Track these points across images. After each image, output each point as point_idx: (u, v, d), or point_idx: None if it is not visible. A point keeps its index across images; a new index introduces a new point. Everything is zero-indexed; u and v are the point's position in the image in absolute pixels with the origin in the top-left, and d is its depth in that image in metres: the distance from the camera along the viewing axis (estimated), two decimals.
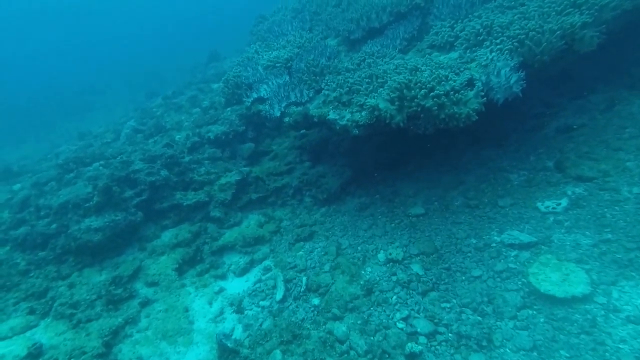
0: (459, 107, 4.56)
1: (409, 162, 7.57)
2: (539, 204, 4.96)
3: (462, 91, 4.53)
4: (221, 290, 5.81)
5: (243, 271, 6.15)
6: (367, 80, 5.60)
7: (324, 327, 4.44)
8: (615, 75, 6.76)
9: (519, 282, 4.18)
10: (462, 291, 4.43)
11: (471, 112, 4.49)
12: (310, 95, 6.09)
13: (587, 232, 4.40)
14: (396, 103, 4.95)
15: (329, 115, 5.82)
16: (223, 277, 6.13)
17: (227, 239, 6.66)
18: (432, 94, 4.61)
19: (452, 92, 4.55)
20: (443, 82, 4.65)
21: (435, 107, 4.60)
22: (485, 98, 4.42)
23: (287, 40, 7.00)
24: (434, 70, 4.80)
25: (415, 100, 4.74)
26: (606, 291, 3.70)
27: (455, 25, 5.48)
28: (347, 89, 5.72)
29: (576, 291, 3.62)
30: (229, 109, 8.64)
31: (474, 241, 5.07)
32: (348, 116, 5.66)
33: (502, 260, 4.55)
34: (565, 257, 4.08)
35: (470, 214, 5.60)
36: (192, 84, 14.82)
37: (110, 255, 5.75)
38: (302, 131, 8.87)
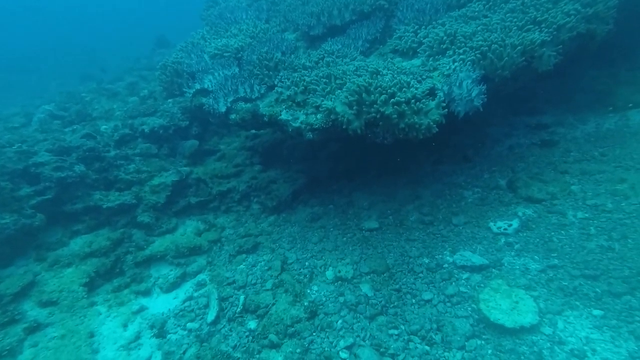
0: (419, 117, 4.38)
1: (367, 172, 7.38)
2: (491, 224, 4.94)
3: (424, 100, 4.36)
4: (141, 309, 5.05)
5: (172, 286, 5.44)
6: (324, 80, 5.27)
7: (257, 357, 3.94)
8: (563, 100, 7.15)
9: (469, 308, 4.04)
10: (412, 316, 4.20)
11: (432, 123, 4.33)
12: (262, 91, 5.62)
13: (535, 257, 4.41)
14: (354, 107, 4.67)
15: (281, 115, 5.39)
16: (147, 293, 5.37)
17: (157, 248, 5.90)
18: (392, 100, 4.38)
19: (413, 101, 4.36)
20: (405, 89, 4.45)
21: (396, 115, 4.38)
22: (446, 110, 4.28)
23: (240, 28, 6.48)
24: (395, 76, 4.59)
25: (375, 106, 4.48)
26: (552, 321, 3.66)
27: (419, 31, 5.36)
28: (303, 88, 5.34)
29: (524, 321, 3.53)
30: (170, 100, 7.85)
31: (427, 261, 4.91)
32: (302, 118, 5.28)
33: (453, 283, 4.41)
34: (515, 282, 4.02)
35: (424, 231, 5.47)
36: (133, 70, 13.57)
37: None
38: (254, 131, 8.34)
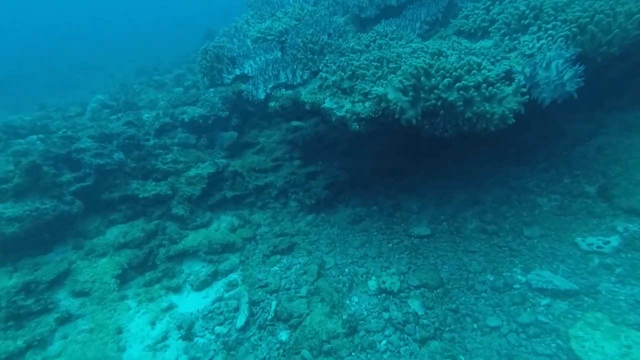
0: (491, 105, 3.66)
1: (417, 171, 6.67)
2: (578, 239, 4.06)
3: (498, 85, 3.62)
4: (171, 307, 4.85)
5: (203, 284, 5.19)
6: (375, 64, 4.69)
7: None
8: None
9: (553, 345, 3.26)
10: (474, 345, 3.51)
11: (507, 112, 3.59)
12: (305, 77, 5.18)
13: None
14: (410, 94, 4.05)
15: (324, 103, 4.90)
16: (177, 289, 5.17)
17: (190, 243, 5.70)
18: (458, 84, 3.71)
19: (484, 85, 3.65)
20: (474, 72, 3.75)
21: (461, 103, 3.70)
22: (527, 96, 3.52)
23: (285, 11, 6.08)
24: (463, 56, 3.90)
25: (436, 91, 3.84)
26: None
27: (491, 7, 4.58)
28: (350, 73, 4.81)
29: None
30: (212, 89, 7.70)
31: (491, 278, 4.16)
32: (348, 106, 4.75)
33: (528, 310, 3.63)
34: (622, 319, 3.16)
35: (487, 242, 4.70)
36: (182, 63, 13.87)
37: (32, 252, 4.74)
38: (295, 123, 7.95)
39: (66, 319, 4.36)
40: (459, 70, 3.78)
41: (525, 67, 3.61)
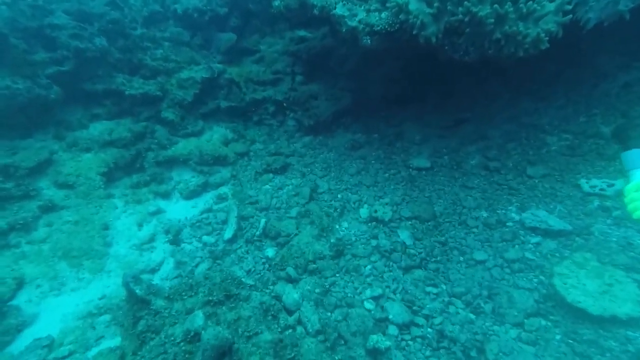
0: (526, 25, 3.14)
1: (424, 100, 6.21)
2: (582, 181, 3.88)
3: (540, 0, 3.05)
4: (158, 211, 4.77)
5: (192, 194, 5.08)
6: None
7: (271, 288, 3.55)
8: None
9: (535, 280, 3.29)
10: (457, 276, 3.55)
11: (542, 35, 3.10)
12: None
13: None
14: (435, 5, 3.45)
15: (335, 9, 4.25)
16: (166, 195, 5.06)
17: (180, 150, 5.44)
18: None
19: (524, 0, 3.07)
20: None
21: (492, 20, 3.16)
22: (570, 15, 2.99)
23: None
24: None
25: (466, 3, 3.24)
26: None
27: None
28: None
29: (620, 311, 2.74)
30: None
31: (485, 214, 4.09)
32: (362, 15, 4.13)
33: (517, 246, 3.62)
34: (610, 259, 3.13)
35: (487, 179, 4.53)
36: None
37: (9, 134, 4.40)
38: (301, 33, 7.11)
39: (50, 208, 4.25)
40: None
41: None
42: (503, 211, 4.03)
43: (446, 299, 3.37)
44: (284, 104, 6.34)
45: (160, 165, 5.29)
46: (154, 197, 4.95)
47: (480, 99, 5.77)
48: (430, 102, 6.15)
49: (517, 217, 3.88)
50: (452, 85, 5.98)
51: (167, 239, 4.38)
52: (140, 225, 4.52)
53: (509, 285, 3.34)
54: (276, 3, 4.44)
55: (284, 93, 6.47)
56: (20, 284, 3.61)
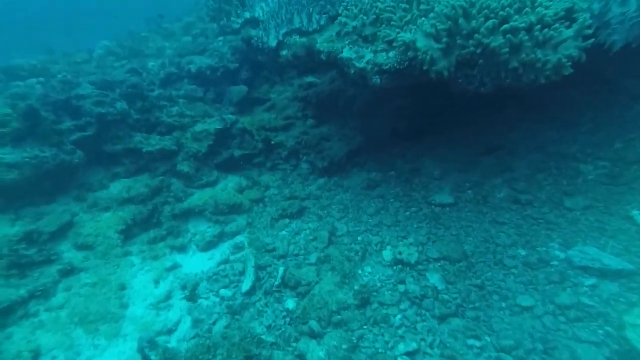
0: (544, 52, 3.04)
1: (439, 134, 6.08)
2: (634, 212, 3.53)
3: (556, 26, 2.96)
4: (175, 266, 4.65)
5: (208, 245, 4.96)
6: (404, 5, 4.02)
7: (294, 345, 3.26)
8: None
9: (601, 332, 2.87)
10: (502, 326, 3.16)
11: (564, 60, 2.97)
12: (322, 22, 4.54)
13: None
14: (443, 40, 3.44)
15: (342, 52, 4.32)
16: (182, 249, 4.96)
17: (195, 202, 5.42)
18: (505, 27, 3.08)
19: (538, 27, 3.00)
20: (527, 10, 3.09)
21: (506, 49, 3.08)
22: (592, 39, 2.87)
23: None
24: None
25: (476, 36, 3.21)
26: None
27: None
28: (374, 17, 4.18)
29: None
30: (220, 38, 7.06)
31: (523, 252, 3.74)
32: (369, 56, 4.17)
33: (568, 290, 3.22)
34: None
35: (519, 214, 4.22)
36: (193, 12, 12.97)
37: (35, 201, 4.52)
38: (309, 79, 7.32)
39: (69, 271, 4.22)
40: (507, 9, 3.12)
41: (594, 3, 2.91)
42: (544, 248, 3.68)
43: (493, 354, 2.97)
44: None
45: (176, 218, 5.26)
46: (170, 252, 4.86)
47: (499, 128, 5.61)
48: (445, 135, 6.02)
49: (562, 255, 3.52)
50: (466, 116, 5.87)
51: (183, 295, 4.20)
52: (156, 282, 4.38)
53: (567, 337, 2.92)
54: (284, 52, 4.58)
55: (296, 137, 6.51)
56: (36, 356, 3.47)
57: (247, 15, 4.90)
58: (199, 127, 5.87)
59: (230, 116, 6.24)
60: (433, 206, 4.79)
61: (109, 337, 3.69)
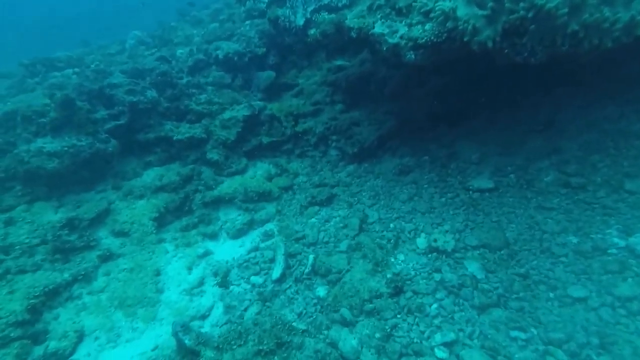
0: (613, 9, 2.67)
1: (477, 116, 5.72)
2: None
3: None
4: (207, 253, 4.73)
5: (239, 233, 5.01)
6: None
7: (325, 333, 3.21)
8: None
9: None
10: (550, 318, 2.93)
11: (638, 17, 2.59)
12: None
13: None
14: (489, 5, 3.14)
15: (373, 28, 4.10)
16: (213, 236, 5.04)
17: (225, 190, 5.47)
18: None
19: None
20: None
21: (565, 10, 2.75)
22: None
23: None
24: None
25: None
26: None
27: None
28: None
29: None
30: (247, 22, 6.99)
31: (575, 240, 3.43)
32: (403, 31, 3.93)
33: (630, 280, 2.93)
34: None
35: (570, 198, 3.88)
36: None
37: (75, 189, 4.76)
38: (338, 62, 7.13)
39: (108, 257, 4.42)
40: None
41: None
42: (600, 235, 3.35)
43: (540, 347, 2.76)
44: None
45: (207, 206, 5.34)
46: (202, 239, 4.95)
47: (545, 108, 5.17)
48: (484, 117, 5.65)
49: (621, 243, 3.19)
50: (509, 96, 5.46)
51: (215, 282, 4.27)
52: (189, 269, 4.49)
53: (629, 331, 2.64)
54: (312, 31, 4.43)
55: (325, 123, 6.39)
56: (80, 336, 3.66)
57: None
58: (227, 114, 5.90)
59: (259, 102, 6.22)
60: (471, 192, 4.52)
61: (146, 320, 3.82)
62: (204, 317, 3.87)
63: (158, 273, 4.38)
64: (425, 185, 4.94)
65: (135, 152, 5.47)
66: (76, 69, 4.87)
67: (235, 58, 6.44)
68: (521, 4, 2.90)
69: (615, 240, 3.23)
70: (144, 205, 5.03)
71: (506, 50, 3.27)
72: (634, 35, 2.56)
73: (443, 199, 4.60)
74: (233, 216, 5.29)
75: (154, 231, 4.80)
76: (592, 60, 3.44)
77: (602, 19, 2.58)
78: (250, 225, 5.07)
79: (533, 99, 5.29)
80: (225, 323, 3.68)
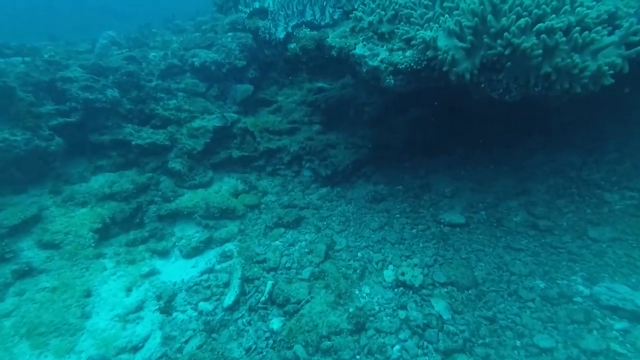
0: (583, 57, 2.73)
1: (453, 150, 5.79)
2: None
3: (599, 29, 2.69)
4: (152, 272, 4.30)
5: (193, 251, 4.62)
6: (426, 2, 3.78)
7: None
8: None
9: None
10: None
11: (604, 68, 2.67)
12: (335, 17, 4.32)
13: None
14: (468, 39, 3.17)
15: (355, 49, 4.06)
16: (164, 254, 4.62)
17: (185, 203, 5.11)
18: (539, 26, 2.80)
19: (577, 29, 2.72)
20: (566, 9, 2.82)
21: (539, 52, 2.79)
22: (639, 47, 2.59)
23: None
24: None
25: (505, 35, 2.93)
26: None
27: None
28: (393, 13, 3.96)
29: None
30: (230, 34, 6.89)
31: (542, 284, 3.37)
32: (384, 55, 3.92)
33: (595, 332, 2.84)
34: None
35: (537, 241, 3.87)
36: (207, 12, 13.08)
37: (3, 190, 4.22)
38: (320, 84, 7.11)
39: (26, 273, 3.84)
40: (543, 7, 2.85)
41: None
42: (565, 282, 3.31)
43: None
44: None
45: (162, 220, 4.95)
46: (150, 256, 4.52)
47: (517, 150, 5.31)
48: (459, 152, 5.73)
49: (586, 291, 3.15)
50: (483, 135, 5.59)
51: (157, 307, 3.84)
52: (129, 290, 4.02)
53: None
54: (292, 46, 4.35)
55: (300, 142, 6.24)
56: None
57: (257, 4, 4.70)
58: (196, 123, 5.62)
59: (232, 114, 6.01)
60: (442, 225, 4.45)
61: (59, 353, 3.26)
62: (135, 349, 3.40)
63: (88, 294, 3.86)
64: (397, 215, 4.84)
65: (86, 154, 5.02)
66: (26, 58, 4.46)
67: (213, 67, 6.25)
68: (499, 41, 2.94)
69: (580, 288, 3.19)
70: (85, 213, 4.55)
71: (483, 85, 3.28)
72: (600, 85, 2.63)
73: (414, 230, 4.49)
74: (190, 233, 4.92)
75: (93, 244, 4.31)
76: (561, 106, 3.52)
77: (572, 65, 2.63)
78: (207, 244, 4.71)
79: (507, 138, 5.43)
80: (160, 358, 3.26)
